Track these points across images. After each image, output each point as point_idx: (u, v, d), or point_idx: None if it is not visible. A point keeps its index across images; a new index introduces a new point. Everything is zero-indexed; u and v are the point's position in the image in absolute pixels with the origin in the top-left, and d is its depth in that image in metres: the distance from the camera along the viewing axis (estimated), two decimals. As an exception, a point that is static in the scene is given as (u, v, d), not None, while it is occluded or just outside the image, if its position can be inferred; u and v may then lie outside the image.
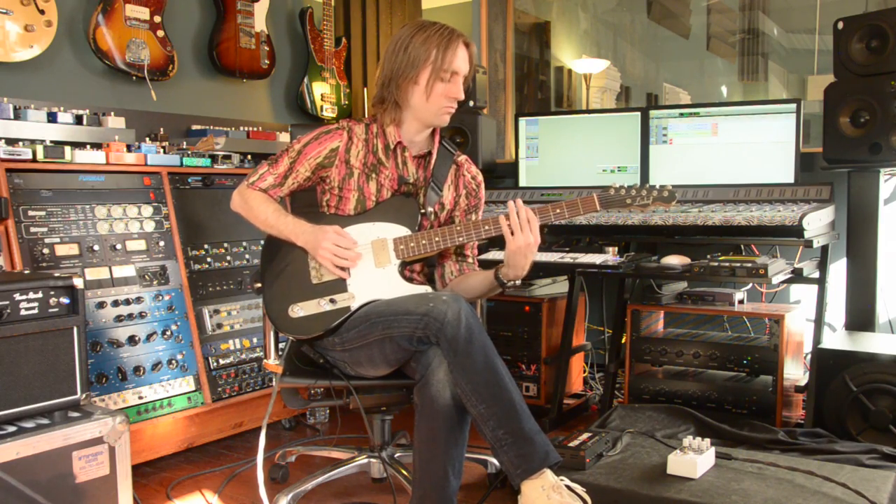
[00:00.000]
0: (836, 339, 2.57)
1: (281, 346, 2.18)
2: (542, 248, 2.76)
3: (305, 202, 2.17)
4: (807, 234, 2.37)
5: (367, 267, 1.98)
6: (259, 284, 2.06)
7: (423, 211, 2.04)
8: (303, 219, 2.03)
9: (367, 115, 2.12)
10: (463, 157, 2.19)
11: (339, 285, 1.98)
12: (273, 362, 2.13)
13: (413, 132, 2.06)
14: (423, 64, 1.96)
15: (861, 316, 2.62)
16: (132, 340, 2.45)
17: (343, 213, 2.05)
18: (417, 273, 2.15)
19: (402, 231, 2.00)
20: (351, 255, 1.95)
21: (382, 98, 2.04)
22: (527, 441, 1.70)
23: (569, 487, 1.72)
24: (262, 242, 2.09)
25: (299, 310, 1.97)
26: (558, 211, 1.92)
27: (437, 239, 1.96)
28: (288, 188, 2.06)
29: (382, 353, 1.87)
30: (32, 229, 2.34)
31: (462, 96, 2.01)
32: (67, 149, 2.46)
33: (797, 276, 2.53)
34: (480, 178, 2.20)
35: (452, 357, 1.73)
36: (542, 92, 4.95)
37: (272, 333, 2.16)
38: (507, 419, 1.71)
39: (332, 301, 1.96)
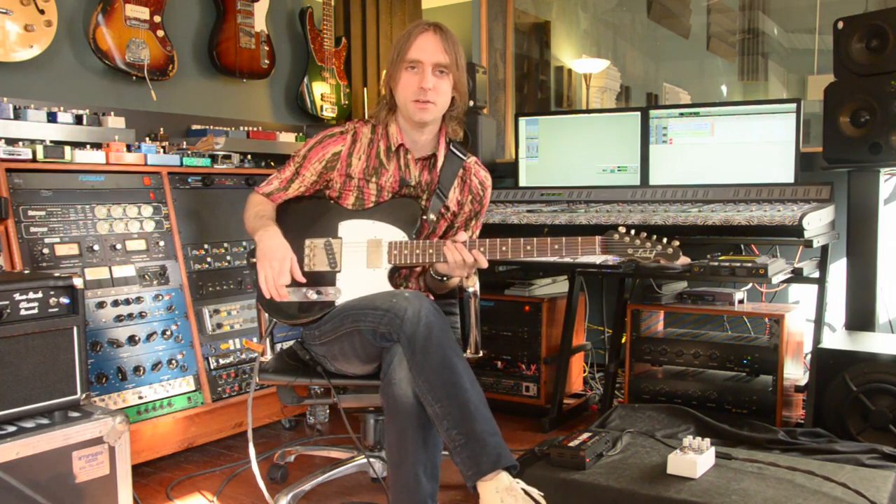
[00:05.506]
0: (836, 339, 2.57)
1: (279, 345, 2.17)
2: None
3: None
4: (807, 234, 2.37)
5: (358, 265, 1.98)
6: (255, 260, 2.03)
7: (424, 217, 2.04)
8: (306, 204, 2.09)
9: (370, 116, 2.15)
10: (472, 160, 2.15)
11: (329, 278, 1.98)
12: (255, 341, 2.11)
13: (412, 132, 2.05)
14: (396, 60, 1.99)
15: (861, 316, 2.62)
16: (132, 340, 2.45)
17: (343, 205, 2.07)
18: (413, 279, 2.15)
19: (400, 236, 1.99)
20: (280, 290, 1.91)
21: (383, 101, 2.09)
22: (478, 442, 1.68)
23: (525, 491, 1.68)
24: None
25: (286, 292, 1.95)
26: (556, 247, 1.88)
27: (430, 251, 1.94)
28: (294, 192, 2.08)
29: (352, 346, 1.87)
30: (32, 229, 2.34)
31: (428, 85, 1.94)
32: (67, 149, 2.46)
33: (797, 276, 2.53)
34: (488, 183, 2.17)
35: (411, 355, 1.72)
36: (542, 92, 4.95)
37: (266, 317, 2.13)
38: (461, 419, 1.68)
39: (318, 292, 1.96)
